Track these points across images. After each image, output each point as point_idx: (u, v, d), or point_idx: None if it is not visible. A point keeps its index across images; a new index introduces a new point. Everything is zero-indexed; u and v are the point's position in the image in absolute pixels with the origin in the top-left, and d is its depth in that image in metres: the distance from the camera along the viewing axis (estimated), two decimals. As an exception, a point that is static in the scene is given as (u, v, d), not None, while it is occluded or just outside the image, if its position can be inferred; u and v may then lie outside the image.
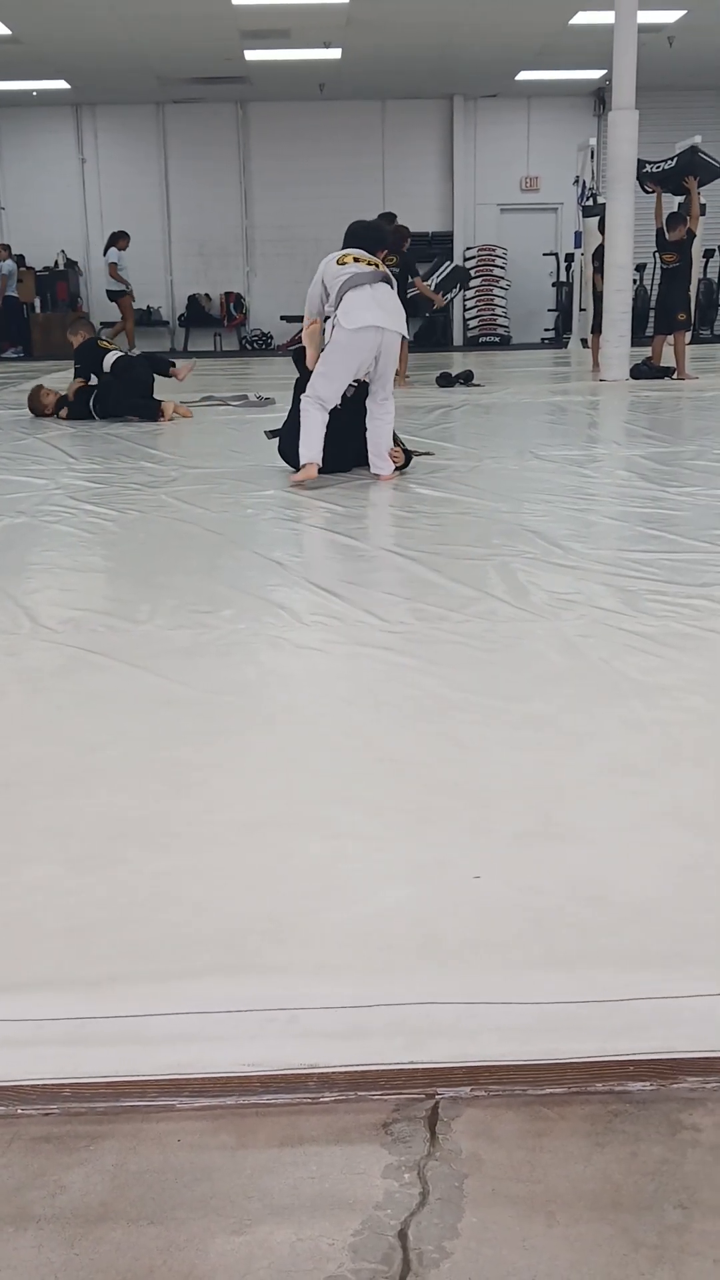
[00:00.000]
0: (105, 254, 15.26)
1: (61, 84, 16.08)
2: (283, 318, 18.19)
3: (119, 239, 15.08)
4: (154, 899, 1.60)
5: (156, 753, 2.15)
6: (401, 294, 10.65)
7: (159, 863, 1.71)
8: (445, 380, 10.37)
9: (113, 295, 15.29)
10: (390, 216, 10.73)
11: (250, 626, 2.94)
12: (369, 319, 4.86)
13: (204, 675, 2.59)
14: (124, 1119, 1.24)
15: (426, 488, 4.97)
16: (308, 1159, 1.18)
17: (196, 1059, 1.28)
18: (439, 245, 17.36)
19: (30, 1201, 1.14)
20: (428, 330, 17.66)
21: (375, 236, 5.40)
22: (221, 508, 4.61)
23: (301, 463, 5.05)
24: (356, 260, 5.04)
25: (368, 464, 5.23)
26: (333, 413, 5.07)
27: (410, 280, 10.63)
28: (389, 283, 5.08)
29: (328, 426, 5.06)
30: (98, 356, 7.98)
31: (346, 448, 5.20)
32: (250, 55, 14.41)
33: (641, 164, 10.92)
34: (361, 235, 5.30)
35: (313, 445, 5.03)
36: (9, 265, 16.66)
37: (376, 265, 5.09)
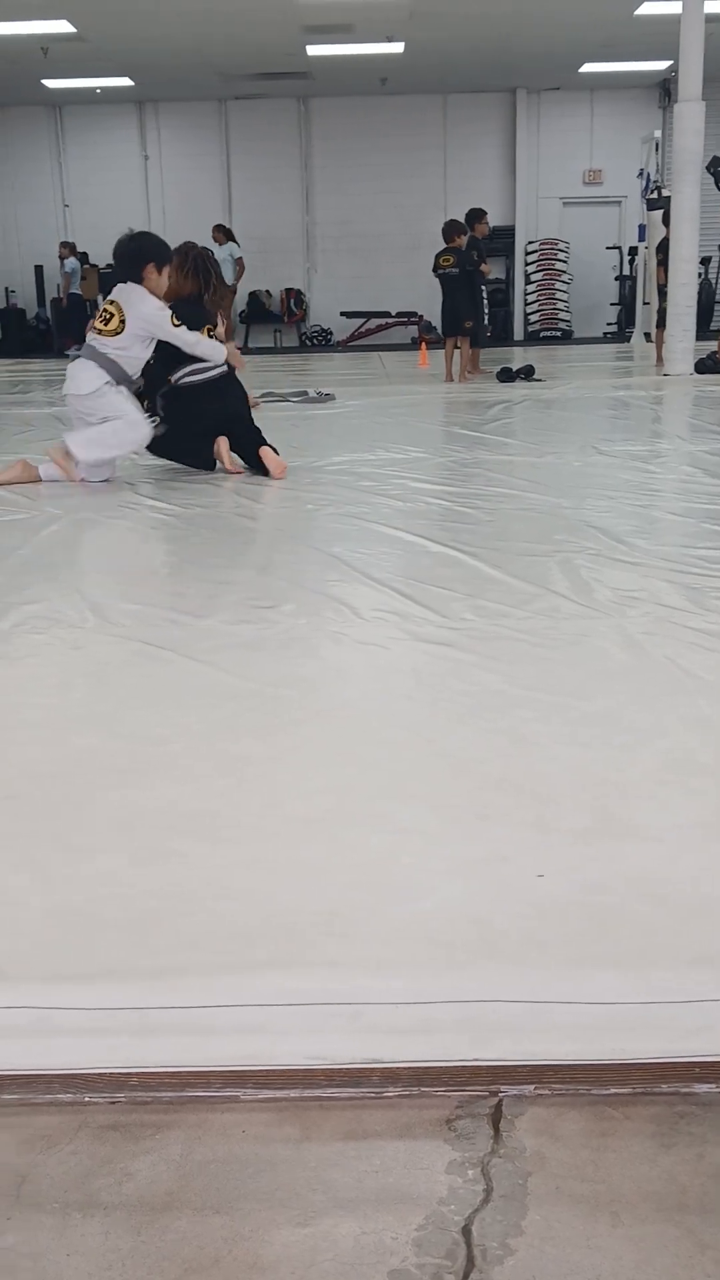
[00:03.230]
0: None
1: (125, 81, 16.21)
2: (343, 313, 18.21)
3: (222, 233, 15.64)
4: (214, 891, 1.61)
5: (217, 746, 2.16)
6: (470, 284, 10.66)
7: (219, 855, 1.72)
8: (506, 375, 10.32)
9: None
10: (457, 222, 10.79)
11: (310, 622, 2.95)
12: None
13: (264, 670, 2.60)
14: (189, 1109, 1.25)
15: (487, 484, 4.95)
16: (372, 1153, 1.19)
17: (260, 1051, 1.29)
18: (500, 239, 17.27)
19: (98, 1189, 1.15)
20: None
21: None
22: (281, 503, 4.63)
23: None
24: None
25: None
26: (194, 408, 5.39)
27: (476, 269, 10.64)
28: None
29: (199, 421, 5.38)
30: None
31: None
32: (312, 50, 14.43)
33: (716, 160, 10.82)
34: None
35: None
36: (72, 263, 16.84)
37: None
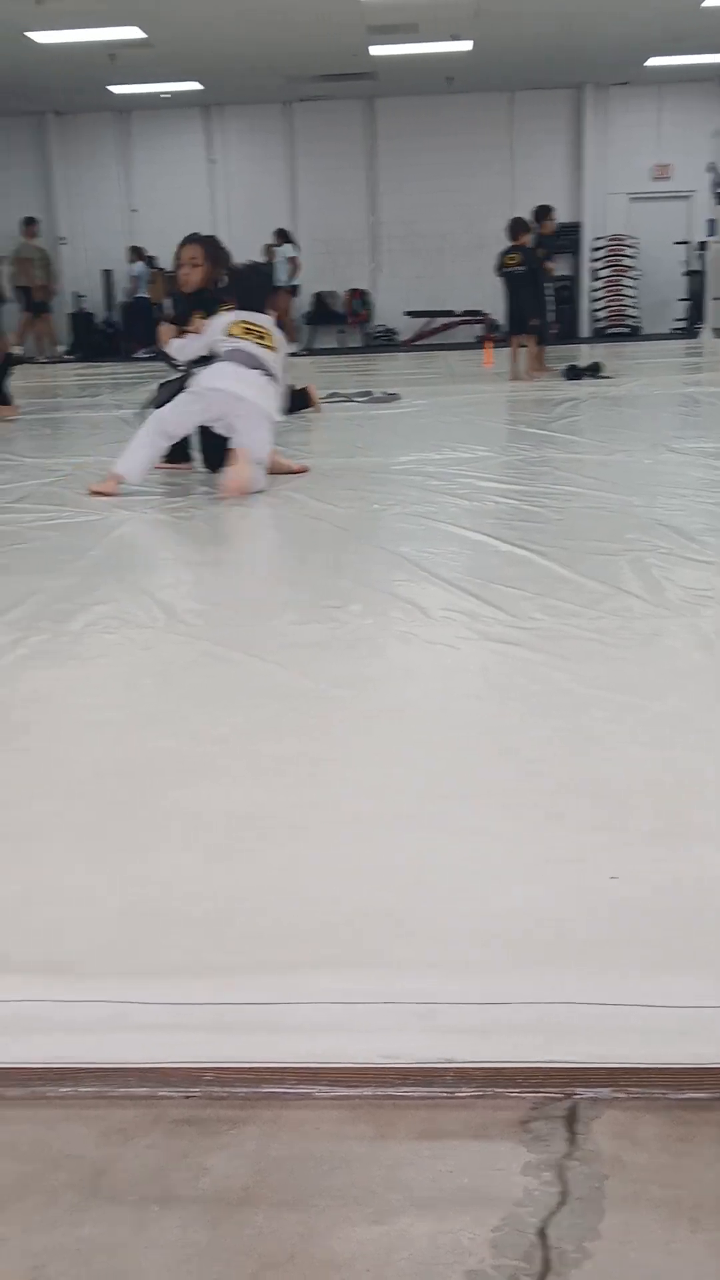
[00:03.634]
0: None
1: (193, 85, 16.33)
2: (407, 313, 18.19)
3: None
4: (284, 889, 1.62)
5: (285, 745, 2.17)
6: (535, 281, 10.60)
7: (288, 853, 1.73)
8: (573, 373, 10.24)
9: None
10: (522, 220, 10.75)
11: (378, 621, 2.95)
12: (224, 385, 4.99)
13: (331, 670, 2.61)
14: (263, 1105, 1.26)
15: (555, 482, 4.92)
16: (446, 1153, 1.18)
17: (333, 1049, 1.29)
18: (567, 236, 17.14)
19: (174, 1182, 1.16)
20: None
21: (261, 295, 5.47)
22: (348, 503, 4.64)
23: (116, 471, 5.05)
24: (249, 331, 5.15)
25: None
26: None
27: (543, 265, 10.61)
28: (265, 370, 5.12)
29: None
30: None
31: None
32: (377, 51, 14.42)
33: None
34: (254, 293, 5.39)
35: (129, 460, 5.06)
36: (139, 267, 17.01)
37: (264, 337, 5.16)
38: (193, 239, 5.78)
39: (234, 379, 4.99)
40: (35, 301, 15.93)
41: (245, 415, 4.96)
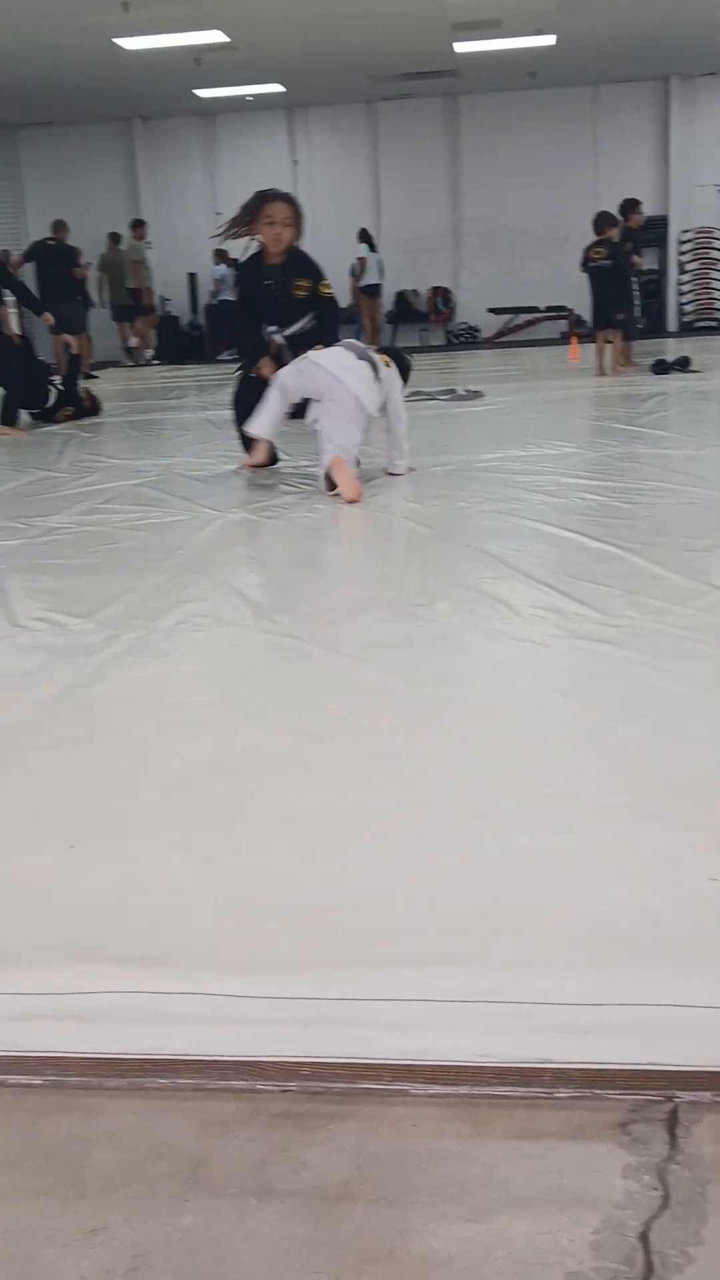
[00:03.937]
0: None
1: (276, 87, 16.43)
2: (489, 310, 18.09)
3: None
4: (378, 886, 1.62)
5: (375, 743, 2.17)
6: (621, 276, 10.49)
7: (381, 850, 1.73)
8: (660, 367, 10.10)
9: (369, 292, 16.04)
10: (607, 214, 10.66)
11: (465, 619, 2.94)
12: (329, 364, 5.04)
13: (420, 667, 2.60)
14: (361, 1101, 1.26)
15: (643, 478, 4.85)
16: (544, 1153, 1.17)
17: (430, 1046, 1.29)
18: (653, 230, 16.91)
19: (272, 1176, 1.17)
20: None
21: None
22: (433, 501, 4.63)
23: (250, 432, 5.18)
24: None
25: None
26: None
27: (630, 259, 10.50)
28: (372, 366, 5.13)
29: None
30: None
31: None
32: (460, 47, 14.36)
33: None
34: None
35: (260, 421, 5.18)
36: (222, 269, 17.14)
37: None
38: (281, 195, 5.52)
39: (339, 364, 5.06)
40: (143, 305, 16.20)
41: (340, 400, 5.01)
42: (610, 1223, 1.08)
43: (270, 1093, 1.28)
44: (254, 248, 5.63)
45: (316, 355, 5.11)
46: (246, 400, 5.47)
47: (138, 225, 16.11)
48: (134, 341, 16.39)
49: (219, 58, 14.09)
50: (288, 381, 5.19)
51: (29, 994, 1.41)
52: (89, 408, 8.72)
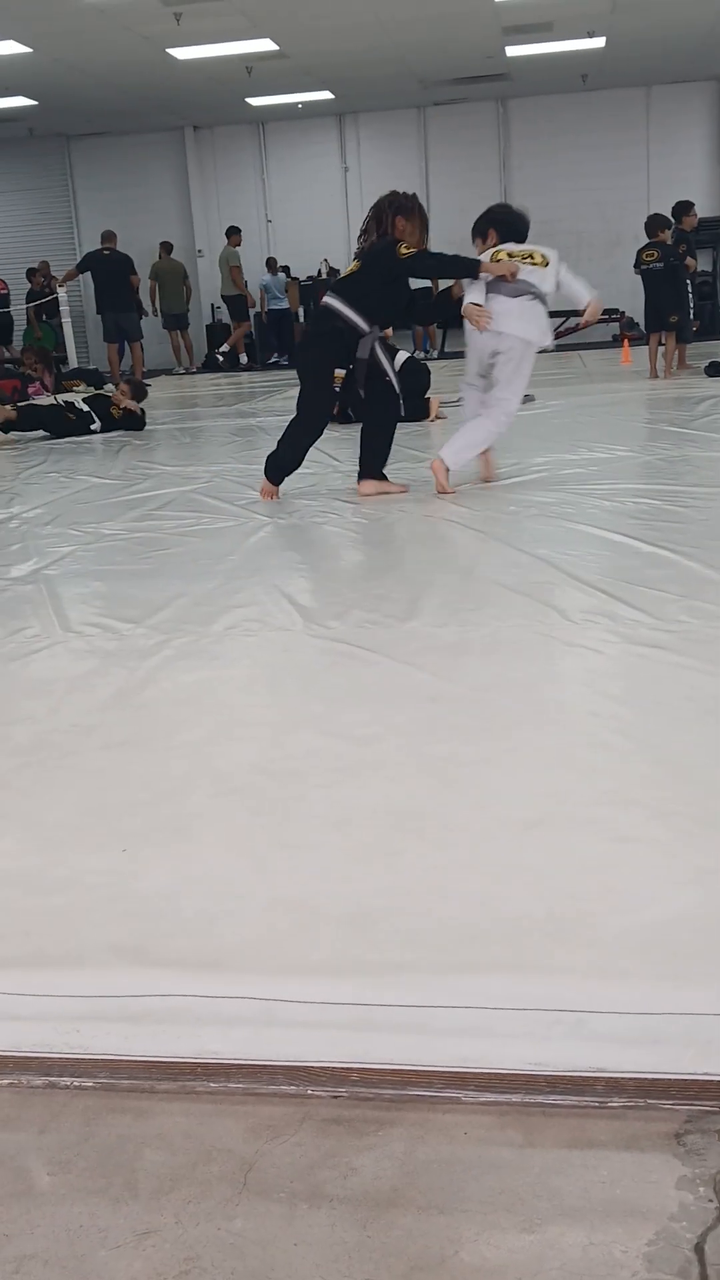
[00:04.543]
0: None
1: (326, 94, 16.49)
2: (541, 314, 18.01)
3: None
4: (432, 891, 1.61)
5: (427, 747, 2.16)
6: (675, 278, 10.39)
7: (435, 855, 1.72)
8: (715, 369, 9.99)
9: None
10: (661, 216, 10.55)
11: (517, 624, 2.92)
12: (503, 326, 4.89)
13: (471, 672, 2.59)
14: (411, 1107, 1.26)
15: (698, 482, 4.80)
16: (598, 1163, 1.16)
17: (481, 1054, 1.28)
18: (708, 231, 16.75)
19: (322, 1181, 1.17)
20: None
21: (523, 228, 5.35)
22: (484, 505, 4.61)
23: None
24: (511, 256, 5.02)
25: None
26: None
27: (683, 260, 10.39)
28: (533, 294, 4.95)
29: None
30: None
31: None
32: (511, 51, 14.33)
33: None
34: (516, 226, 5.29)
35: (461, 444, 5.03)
36: (267, 278, 17.21)
37: (531, 256, 5.00)
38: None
39: (497, 315, 4.90)
40: (237, 310, 16.24)
41: (507, 351, 4.92)
42: (665, 1234, 1.07)
43: (320, 1098, 1.28)
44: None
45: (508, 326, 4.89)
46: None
47: (233, 233, 16.03)
48: (225, 347, 16.55)
49: (269, 66, 14.18)
50: (470, 370, 5.08)
51: (82, 996, 1.42)
52: (135, 418, 8.64)
